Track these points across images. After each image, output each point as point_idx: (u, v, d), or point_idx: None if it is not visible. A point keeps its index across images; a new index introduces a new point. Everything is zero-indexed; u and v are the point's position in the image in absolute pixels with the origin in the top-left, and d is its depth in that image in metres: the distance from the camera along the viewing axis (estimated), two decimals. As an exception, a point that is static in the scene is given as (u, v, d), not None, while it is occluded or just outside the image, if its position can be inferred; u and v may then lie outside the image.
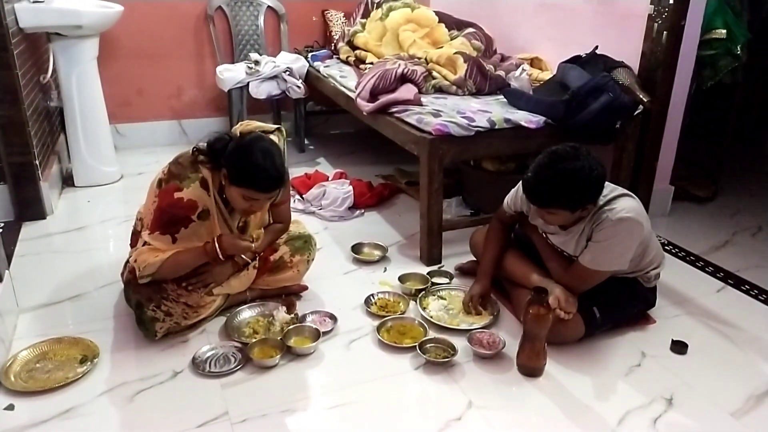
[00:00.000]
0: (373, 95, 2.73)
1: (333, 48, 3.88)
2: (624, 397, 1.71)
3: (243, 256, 1.99)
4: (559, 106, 2.37)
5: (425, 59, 3.09)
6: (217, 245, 1.84)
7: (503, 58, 3.20)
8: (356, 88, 2.88)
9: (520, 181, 1.90)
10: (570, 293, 1.86)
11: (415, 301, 2.12)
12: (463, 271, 2.35)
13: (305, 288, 2.20)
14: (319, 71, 3.58)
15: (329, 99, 3.53)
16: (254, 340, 1.86)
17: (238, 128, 1.94)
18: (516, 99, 2.61)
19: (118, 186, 3.24)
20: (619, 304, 1.96)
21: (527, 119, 2.40)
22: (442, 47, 3.22)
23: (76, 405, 1.63)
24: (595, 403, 1.69)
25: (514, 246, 2.14)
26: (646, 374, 1.81)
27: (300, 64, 3.66)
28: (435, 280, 2.28)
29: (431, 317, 2.03)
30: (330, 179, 3.13)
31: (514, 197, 2.04)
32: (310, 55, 3.80)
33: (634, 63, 2.59)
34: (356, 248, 2.50)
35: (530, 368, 1.78)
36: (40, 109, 2.97)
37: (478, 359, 1.85)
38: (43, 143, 2.91)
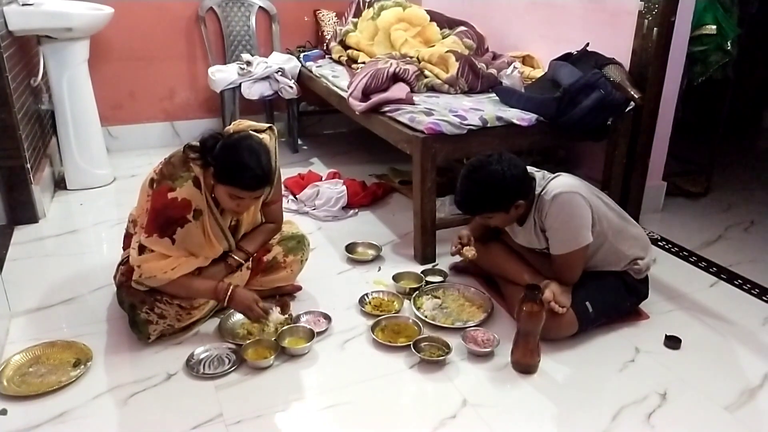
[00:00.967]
0: (366, 95, 2.73)
1: (325, 48, 3.88)
2: (618, 393, 1.71)
3: (236, 257, 1.98)
4: (550, 104, 2.38)
5: (417, 58, 3.09)
6: (228, 294, 1.86)
7: (495, 56, 3.20)
8: (348, 88, 2.88)
9: None
10: (564, 286, 1.89)
11: (410, 300, 2.12)
12: (458, 269, 2.35)
13: (299, 288, 2.20)
14: (311, 71, 3.58)
15: (322, 99, 3.53)
16: (248, 341, 1.85)
17: (231, 128, 1.94)
18: (508, 97, 2.61)
19: (110, 189, 3.23)
20: (611, 298, 1.97)
21: (519, 117, 2.40)
22: (433, 46, 3.23)
23: (70, 409, 1.63)
24: (589, 398, 1.70)
25: (505, 244, 2.15)
26: (640, 369, 1.82)
27: (292, 64, 3.66)
28: (429, 278, 2.28)
29: (425, 316, 2.03)
30: (323, 179, 3.12)
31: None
32: (302, 55, 3.80)
33: (625, 60, 2.59)
34: (350, 248, 2.50)
35: (524, 365, 1.79)
36: (31, 112, 2.95)
37: (472, 357, 1.85)
38: (34, 146, 2.89)
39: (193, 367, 1.77)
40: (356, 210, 2.94)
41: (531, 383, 1.75)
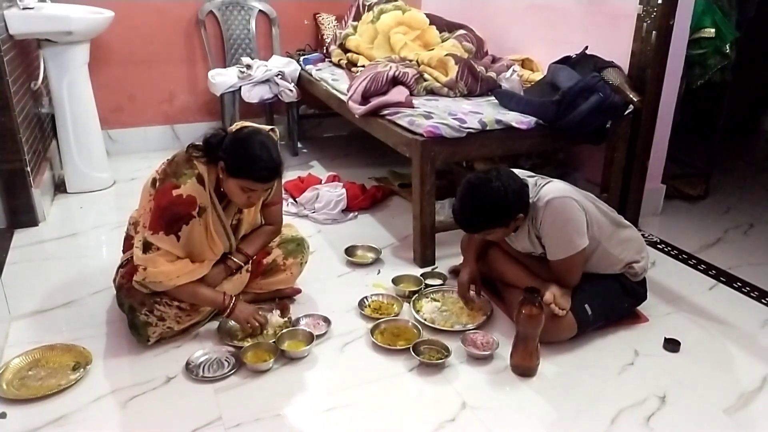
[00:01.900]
0: (365, 98, 2.74)
1: (325, 51, 3.89)
2: (617, 396, 1.71)
3: (235, 259, 1.99)
4: (549, 107, 2.38)
5: (416, 61, 3.10)
6: (231, 307, 1.88)
7: (494, 60, 3.21)
8: (348, 91, 2.88)
9: None
10: (564, 289, 1.89)
11: (409, 303, 2.12)
12: (457, 273, 2.35)
13: (298, 291, 2.20)
14: (311, 74, 3.58)
15: (321, 102, 3.54)
16: (247, 344, 1.86)
17: (234, 129, 1.94)
18: (507, 100, 2.62)
19: (110, 192, 3.23)
20: (609, 300, 1.97)
21: (518, 120, 2.41)
22: (433, 49, 3.24)
23: (69, 412, 1.63)
24: (588, 401, 1.70)
25: (504, 249, 2.14)
26: (639, 372, 1.82)
27: (292, 67, 3.66)
28: (428, 281, 2.28)
29: (425, 319, 2.03)
30: (323, 182, 3.13)
31: None
32: (302, 58, 3.80)
33: (624, 63, 2.60)
34: (350, 251, 2.50)
35: (524, 368, 1.79)
36: (31, 115, 2.96)
37: (471, 360, 1.85)
38: (34, 150, 2.90)
39: (192, 370, 1.77)
40: (356, 213, 2.94)
41: (530, 386, 1.75)
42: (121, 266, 2.00)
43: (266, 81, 3.53)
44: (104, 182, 3.25)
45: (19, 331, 1.98)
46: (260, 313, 1.94)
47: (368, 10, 3.73)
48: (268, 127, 2.00)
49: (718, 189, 3.24)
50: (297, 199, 2.98)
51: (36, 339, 1.92)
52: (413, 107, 2.56)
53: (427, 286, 2.24)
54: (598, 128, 2.45)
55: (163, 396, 1.70)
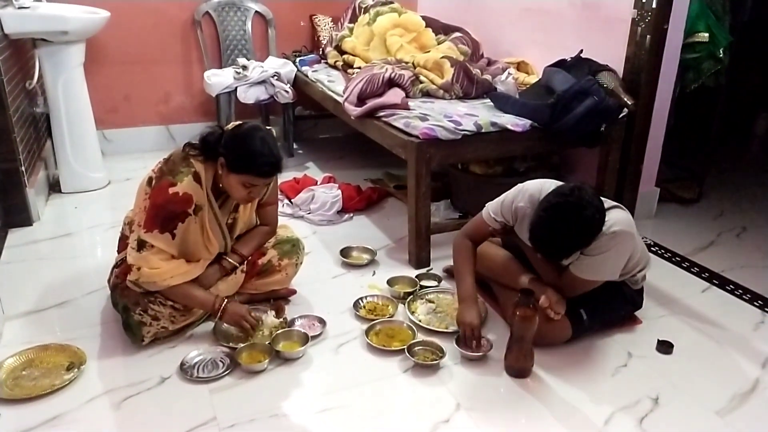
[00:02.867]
0: (361, 99, 2.74)
1: (321, 53, 3.89)
2: (611, 397, 1.72)
3: (230, 260, 1.99)
4: (544, 110, 2.39)
5: (412, 64, 3.11)
6: (222, 309, 1.87)
7: (490, 63, 3.22)
8: (344, 93, 2.89)
9: (505, 195, 1.95)
10: (560, 294, 1.88)
11: (404, 305, 2.12)
12: (451, 273, 2.35)
13: (294, 292, 2.20)
14: (307, 76, 3.59)
15: (317, 103, 3.54)
16: (242, 345, 1.86)
17: (230, 127, 1.95)
18: (502, 103, 2.63)
19: (105, 192, 3.22)
20: (607, 307, 1.97)
21: (513, 123, 2.42)
22: (429, 52, 3.24)
23: (63, 412, 1.62)
24: (582, 403, 1.70)
25: (501, 248, 2.15)
26: (632, 374, 1.83)
27: (288, 68, 3.67)
28: (423, 283, 2.29)
29: (419, 320, 2.03)
30: (319, 183, 3.13)
31: (499, 209, 1.96)
32: (298, 59, 3.80)
33: (619, 66, 2.62)
34: (345, 252, 2.50)
35: (518, 369, 1.79)
36: (26, 115, 2.95)
37: (466, 361, 1.86)
38: (29, 149, 2.89)
39: (186, 370, 1.77)
40: (351, 214, 2.94)
41: (524, 387, 1.76)
42: (115, 266, 2.00)
43: (262, 82, 3.53)
44: (99, 182, 3.24)
45: (12, 331, 1.98)
46: (253, 314, 1.93)
47: (364, 12, 3.74)
48: (266, 128, 2.00)
49: (711, 192, 3.26)
50: (292, 200, 2.98)
51: (30, 339, 1.91)
52: (409, 109, 2.57)
53: (422, 287, 2.25)
54: (593, 131, 2.47)
55: (157, 396, 1.70)
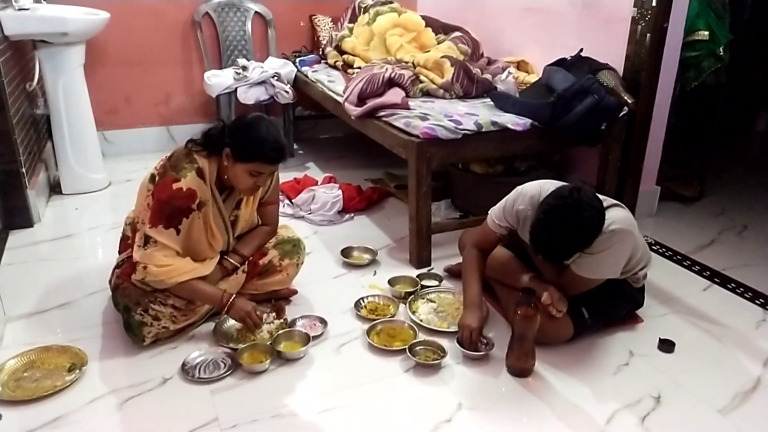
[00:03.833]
0: (361, 99, 2.74)
1: (321, 53, 3.89)
2: (612, 396, 1.72)
3: (231, 260, 2.00)
4: (545, 109, 2.39)
5: (412, 63, 3.11)
6: (229, 303, 1.88)
7: (490, 62, 3.22)
8: (344, 93, 2.89)
9: (505, 200, 1.95)
10: (562, 292, 1.88)
11: (405, 304, 2.12)
12: (452, 273, 2.35)
13: (295, 292, 2.20)
14: (307, 76, 3.59)
15: (318, 104, 3.54)
16: (244, 346, 1.86)
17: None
18: (502, 102, 2.63)
19: (105, 193, 3.22)
20: (608, 305, 1.97)
21: (514, 122, 2.42)
22: (429, 51, 3.24)
23: (65, 413, 1.62)
24: (584, 402, 1.70)
25: (503, 247, 2.15)
26: (634, 373, 1.83)
27: (288, 69, 3.67)
28: (424, 282, 2.29)
29: (421, 320, 2.03)
30: (319, 184, 3.13)
31: (502, 214, 1.96)
32: (298, 60, 3.81)
33: (619, 65, 2.61)
34: (346, 252, 2.50)
35: (519, 369, 1.79)
36: (26, 116, 2.95)
37: (467, 361, 1.86)
38: (29, 151, 2.89)
39: (188, 371, 1.77)
40: (352, 214, 2.94)
41: (526, 386, 1.76)
42: (116, 267, 2.00)
43: (262, 82, 3.54)
44: (99, 183, 3.24)
45: (14, 332, 1.98)
46: (258, 312, 1.93)
47: (364, 12, 3.74)
48: None
49: (712, 191, 3.25)
50: (293, 201, 2.98)
51: (31, 340, 1.91)
52: (409, 109, 2.57)
53: (423, 287, 2.25)
54: (593, 130, 2.46)
55: (159, 397, 1.70)
